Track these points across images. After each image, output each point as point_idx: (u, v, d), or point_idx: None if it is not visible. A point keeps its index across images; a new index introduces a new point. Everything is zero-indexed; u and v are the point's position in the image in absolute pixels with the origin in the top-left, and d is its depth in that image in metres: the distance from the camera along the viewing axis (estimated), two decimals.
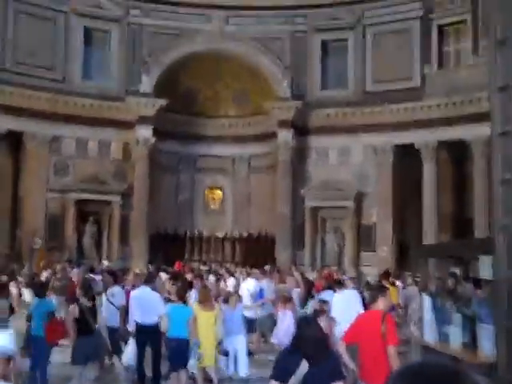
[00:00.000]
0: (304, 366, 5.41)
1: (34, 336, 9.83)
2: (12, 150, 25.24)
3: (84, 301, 9.85)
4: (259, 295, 14.49)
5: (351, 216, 25.46)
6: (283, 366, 5.58)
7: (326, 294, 10.88)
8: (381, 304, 6.97)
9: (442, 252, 14.05)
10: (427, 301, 9.70)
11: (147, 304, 10.32)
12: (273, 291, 14.74)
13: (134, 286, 12.20)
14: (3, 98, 23.77)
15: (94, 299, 10.20)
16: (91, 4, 25.96)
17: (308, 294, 12.24)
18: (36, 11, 24.96)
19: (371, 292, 8.08)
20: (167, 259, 23.15)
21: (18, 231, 24.47)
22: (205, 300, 10.18)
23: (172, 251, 25.32)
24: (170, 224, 27.19)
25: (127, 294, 11.76)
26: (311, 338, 5.50)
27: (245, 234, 27.45)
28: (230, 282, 16.13)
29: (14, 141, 24.81)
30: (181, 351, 9.54)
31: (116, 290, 11.59)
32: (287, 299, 11.26)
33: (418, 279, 15.60)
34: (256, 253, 26.07)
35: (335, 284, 11.50)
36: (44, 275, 16.21)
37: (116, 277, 12.29)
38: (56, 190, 24.84)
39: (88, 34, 26.22)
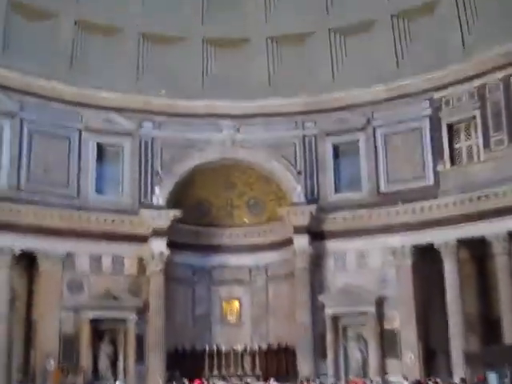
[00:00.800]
0: None
1: None
2: (25, 271, 24.91)
3: None
4: None
5: (373, 322, 24.54)
6: None
7: None
8: None
9: None
10: None
11: None
12: None
13: None
14: (18, 217, 23.67)
15: None
16: (103, 120, 26.28)
17: None
18: (50, 130, 25.30)
19: None
20: (186, 376, 22.39)
21: (32, 353, 23.91)
22: None
23: (190, 367, 24.59)
24: (187, 339, 26.46)
25: None
26: None
27: (264, 346, 26.53)
28: None
29: (28, 261, 24.54)
30: None
31: None
32: None
33: None
34: (277, 365, 25.23)
35: None
36: None
37: None
38: (70, 309, 24.33)
39: (101, 149, 26.45)
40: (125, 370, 24.54)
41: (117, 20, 26.91)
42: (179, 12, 27.46)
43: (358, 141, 26.37)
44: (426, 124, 25.06)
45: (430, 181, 24.63)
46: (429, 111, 25.04)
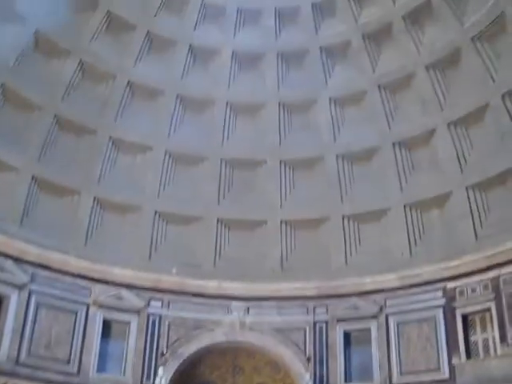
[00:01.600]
0: None
1: None
2: None
3: None
4: None
5: None
6: None
7: None
8: None
9: None
10: None
11: None
12: None
13: None
14: None
15: None
16: (112, 296, 26.01)
17: None
18: (58, 303, 24.95)
19: None
20: None
21: None
22: None
23: None
24: None
25: None
26: None
27: None
28: None
29: None
30: None
31: None
32: None
33: None
34: None
35: None
36: None
37: None
38: None
39: (107, 325, 25.87)
40: None
41: (134, 199, 27.64)
42: (195, 192, 28.21)
43: (369, 329, 25.60)
44: (440, 314, 24.36)
45: (445, 374, 23.46)
46: (442, 301, 24.48)
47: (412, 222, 26.35)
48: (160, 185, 28.09)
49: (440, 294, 24.69)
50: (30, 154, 25.70)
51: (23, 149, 25.50)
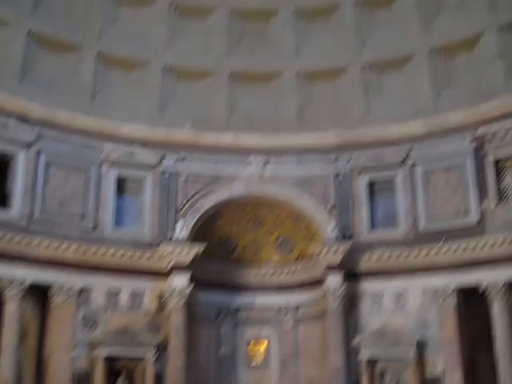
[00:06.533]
0: None
1: None
2: (37, 305, 23.21)
3: None
4: None
5: (413, 367, 22.53)
6: None
7: None
8: None
9: None
10: None
11: None
12: None
13: None
14: (29, 248, 22.34)
15: None
16: (125, 152, 25.04)
17: None
18: (68, 162, 24.14)
19: None
20: None
21: None
22: None
23: None
24: (209, 381, 24.66)
25: None
26: None
27: None
28: None
29: (40, 295, 22.94)
30: None
31: None
32: None
33: None
34: None
35: None
36: None
37: None
38: (84, 346, 22.63)
39: (121, 181, 25.13)
40: None
41: (140, 53, 26.06)
42: (205, 44, 26.65)
43: (394, 177, 24.94)
44: (470, 160, 23.63)
45: (474, 219, 23.09)
46: (472, 147, 23.67)
47: (438, 66, 24.98)
48: (167, 38, 26.33)
49: (469, 139, 23.78)
50: (21, 7, 23.89)
51: (14, 2, 23.68)
